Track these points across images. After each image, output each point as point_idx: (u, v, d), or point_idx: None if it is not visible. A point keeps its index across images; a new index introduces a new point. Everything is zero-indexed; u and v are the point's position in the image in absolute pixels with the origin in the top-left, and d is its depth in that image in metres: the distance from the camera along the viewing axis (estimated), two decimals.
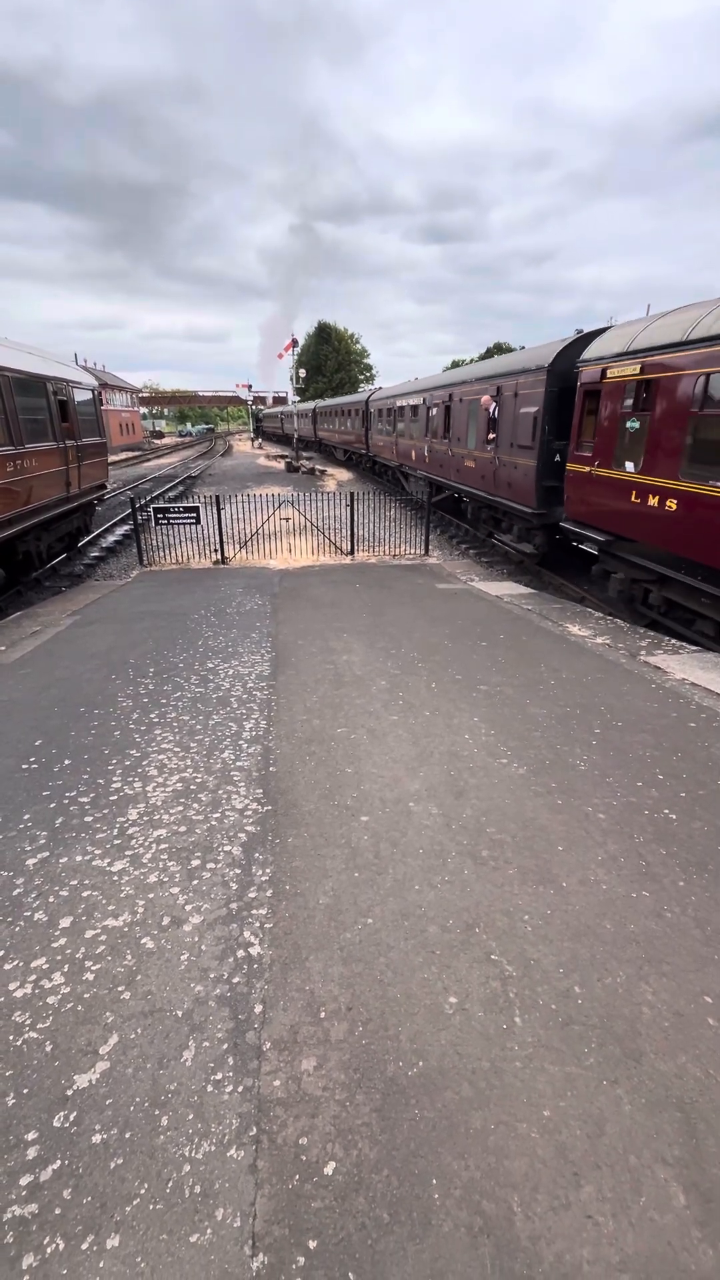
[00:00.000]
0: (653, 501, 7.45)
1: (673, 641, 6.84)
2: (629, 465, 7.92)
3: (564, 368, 9.60)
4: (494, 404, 11.96)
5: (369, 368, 77.20)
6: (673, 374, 7.08)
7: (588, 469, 8.91)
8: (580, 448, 9.19)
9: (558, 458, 9.91)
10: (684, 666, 5.97)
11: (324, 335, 73.74)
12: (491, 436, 12.12)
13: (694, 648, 6.63)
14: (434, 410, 16.11)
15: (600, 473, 8.59)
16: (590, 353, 8.99)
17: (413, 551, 12.24)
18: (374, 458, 25.13)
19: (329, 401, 32.66)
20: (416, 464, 18.30)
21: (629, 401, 7.95)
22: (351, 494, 11.95)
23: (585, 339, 9.59)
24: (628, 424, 7.98)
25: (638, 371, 7.66)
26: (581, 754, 4.29)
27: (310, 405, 40.52)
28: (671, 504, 7.11)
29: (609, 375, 8.35)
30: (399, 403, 19.85)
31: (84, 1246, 1.69)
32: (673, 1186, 1.80)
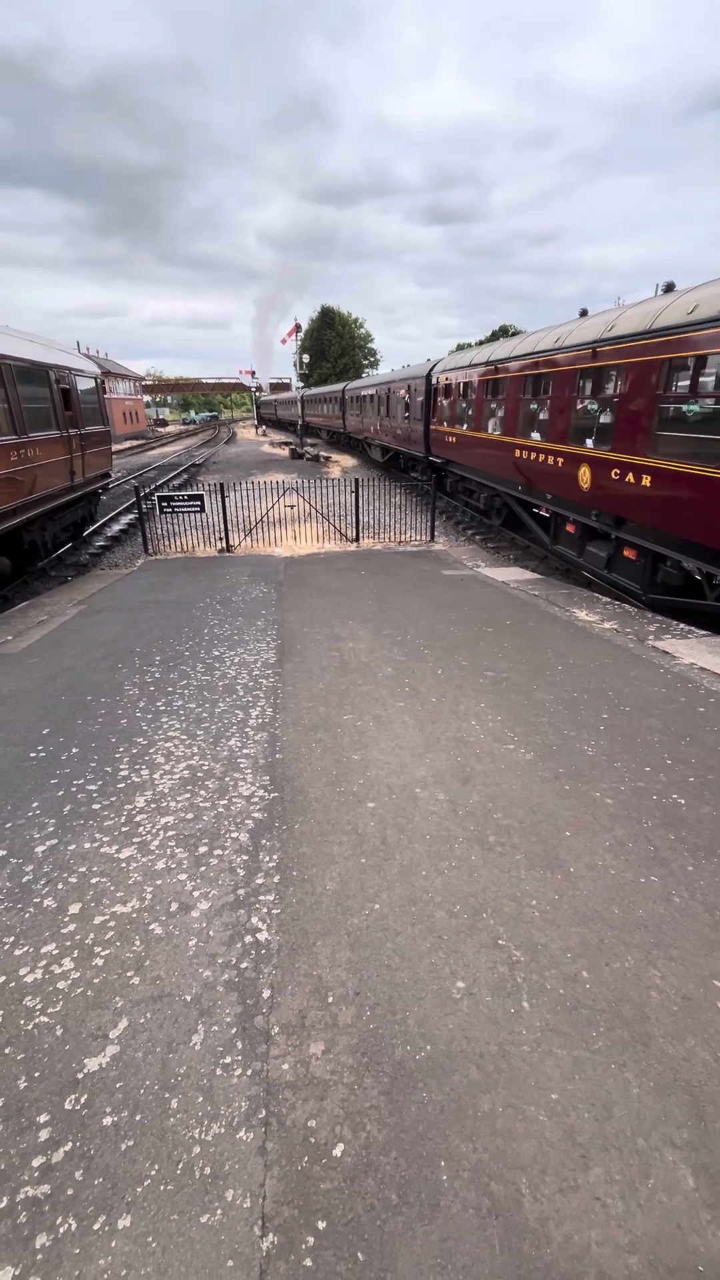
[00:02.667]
0: (452, 440, 15.56)
1: (681, 626, 6.77)
2: (446, 424, 16.00)
3: (429, 375, 17.45)
4: (406, 396, 19.49)
5: (373, 352, 76.43)
6: (452, 381, 15.37)
7: (436, 427, 17.04)
8: (434, 417, 17.19)
9: (427, 425, 17.66)
10: (693, 651, 5.91)
11: (327, 320, 72.95)
12: (406, 414, 19.71)
13: (703, 632, 6.57)
14: (381, 399, 23.14)
15: (439, 429, 16.69)
16: (435, 370, 17.19)
17: (418, 538, 12.16)
18: (348, 434, 31.23)
19: (314, 390, 38.37)
20: (374, 435, 25.34)
21: (445, 392, 16.00)
22: (356, 480, 11.86)
23: (436, 362, 17.64)
24: (444, 404, 16.23)
25: (444, 380, 16.12)
26: (589, 739, 4.26)
27: (297, 394, 45.52)
28: (452, 439, 15.46)
29: (438, 382, 16.77)
30: (362, 393, 26.89)
31: (96, 1227, 1.71)
32: (681, 1169, 1.80)
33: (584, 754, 4.08)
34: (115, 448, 24.32)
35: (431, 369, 17.20)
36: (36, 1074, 2.13)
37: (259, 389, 65.41)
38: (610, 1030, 2.23)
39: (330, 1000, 2.37)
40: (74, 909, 2.86)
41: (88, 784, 3.88)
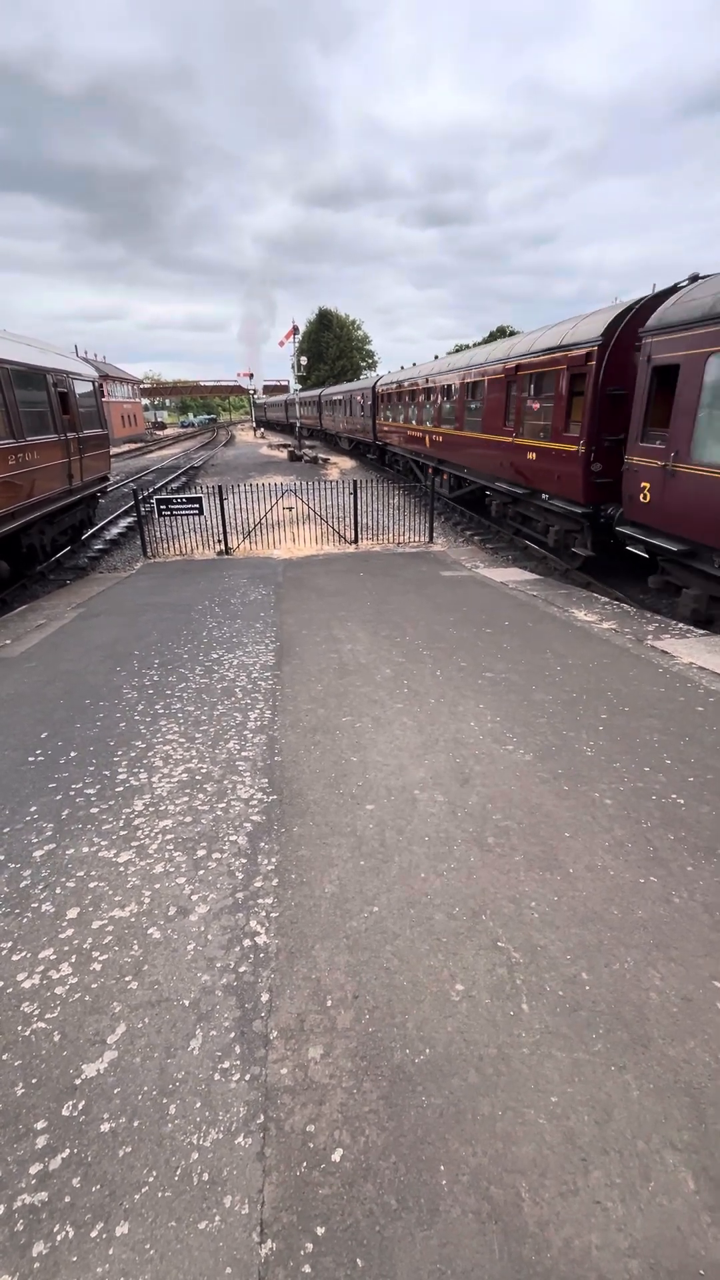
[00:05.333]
0: (387, 429, 23.61)
1: (680, 625, 6.77)
2: (385, 419, 23.75)
3: (374, 387, 25.06)
4: (361, 400, 27.64)
5: (371, 354, 76.46)
6: (387, 391, 23.09)
7: (379, 421, 24.76)
8: (378, 415, 24.67)
9: (374, 420, 25.58)
10: (692, 650, 5.91)
11: (325, 322, 72.99)
12: (361, 413, 27.82)
13: (702, 631, 6.56)
14: (345, 402, 31.49)
15: (380, 422, 24.47)
16: (377, 384, 24.42)
17: (417, 539, 12.16)
18: (325, 430, 38.77)
19: (296, 395, 45.45)
20: (342, 431, 33.31)
21: (384, 399, 23.60)
22: (355, 482, 11.86)
23: (378, 379, 25.42)
24: (383, 406, 23.89)
25: (382, 390, 23.75)
26: (588, 739, 4.26)
27: (283, 399, 54.22)
28: (386, 428, 23.63)
29: (379, 391, 24.11)
30: (334, 398, 34.95)
31: (93, 1234, 1.70)
32: (682, 1172, 1.79)
33: (583, 754, 4.07)
34: (114, 451, 24.56)
35: (375, 383, 25.39)
36: (34, 1080, 2.12)
37: (255, 391, 65.57)
38: (610, 1032, 2.22)
39: (329, 1004, 2.36)
40: (72, 913, 2.85)
41: (86, 788, 3.87)
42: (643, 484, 7.93)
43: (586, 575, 9.74)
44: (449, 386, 15.74)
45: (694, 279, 6.64)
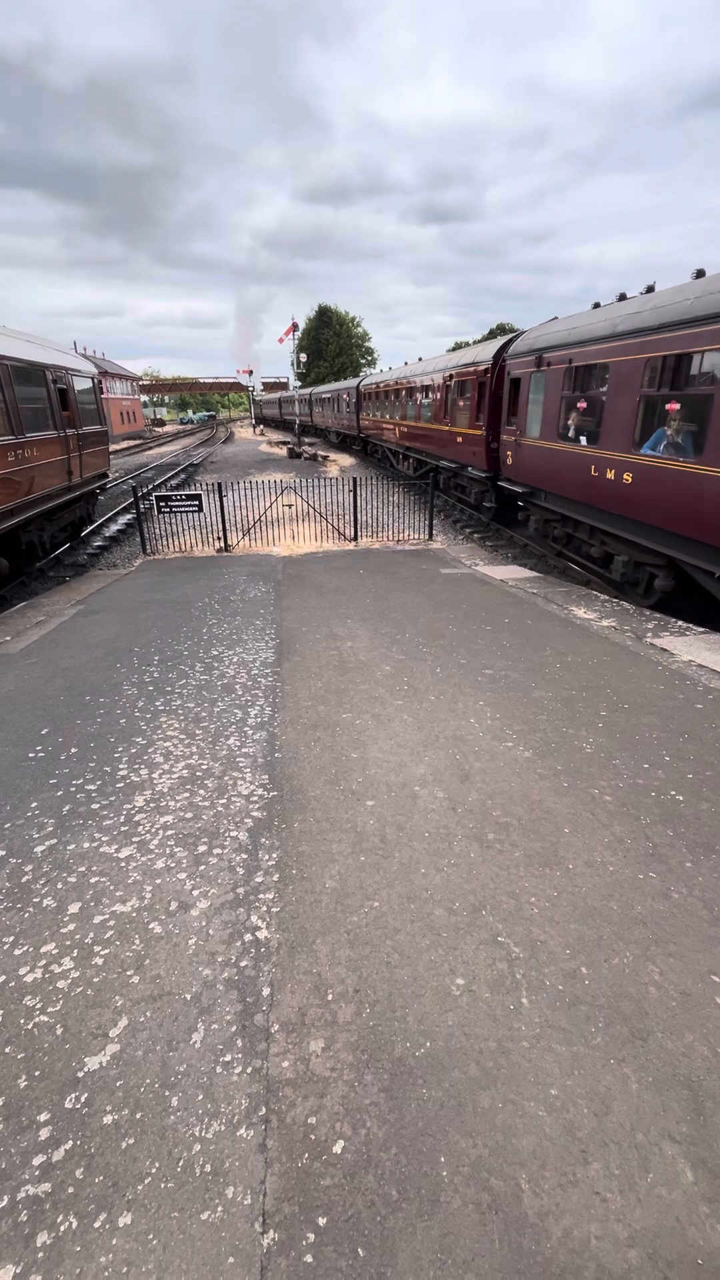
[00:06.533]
0: (367, 423, 27.10)
1: (679, 623, 6.78)
2: (368, 414, 26.63)
3: (358, 387, 28.42)
4: (347, 398, 30.36)
5: (370, 351, 76.34)
6: (369, 390, 26.35)
7: (363, 417, 27.79)
8: (362, 412, 27.81)
9: (359, 416, 28.71)
10: (691, 648, 5.92)
11: (324, 319, 72.86)
12: (347, 410, 30.39)
13: (701, 629, 6.58)
14: (333, 400, 34.35)
15: (364, 418, 27.46)
16: (360, 384, 28.05)
17: (416, 536, 12.17)
18: (315, 426, 42.44)
19: (291, 393, 48.46)
20: (331, 426, 36.58)
21: (367, 396, 26.60)
22: (354, 479, 11.86)
23: (363, 378, 29.13)
24: (367, 403, 26.90)
25: (365, 389, 27.14)
26: (588, 736, 4.27)
27: (277, 396, 59.98)
28: (367, 422, 27.16)
29: (363, 390, 27.38)
30: (323, 396, 38.05)
31: (97, 1225, 1.71)
32: (680, 1163, 1.81)
33: (582, 751, 4.09)
34: (113, 448, 24.75)
35: (359, 384, 28.52)
36: (37, 1073, 2.13)
37: (254, 389, 65.56)
38: (609, 1026, 2.23)
39: (330, 998, 2.38)
40: (73, 908, 2.87)
41: (87, 784, 3.88)
42: (508, 452, 12.18)
43: (497, 524, 13.76)
44: (411, 389, 19.50)
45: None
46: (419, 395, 18.37)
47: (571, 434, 9.44)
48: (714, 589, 6.74)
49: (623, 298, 8.79)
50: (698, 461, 6.64)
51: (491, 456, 12.91)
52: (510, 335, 12.55)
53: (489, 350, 12.98)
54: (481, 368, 13.09)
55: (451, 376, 15.21)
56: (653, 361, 7.34)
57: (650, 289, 8.12)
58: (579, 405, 9.20)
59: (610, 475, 8.27)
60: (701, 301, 6.57)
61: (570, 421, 9.47)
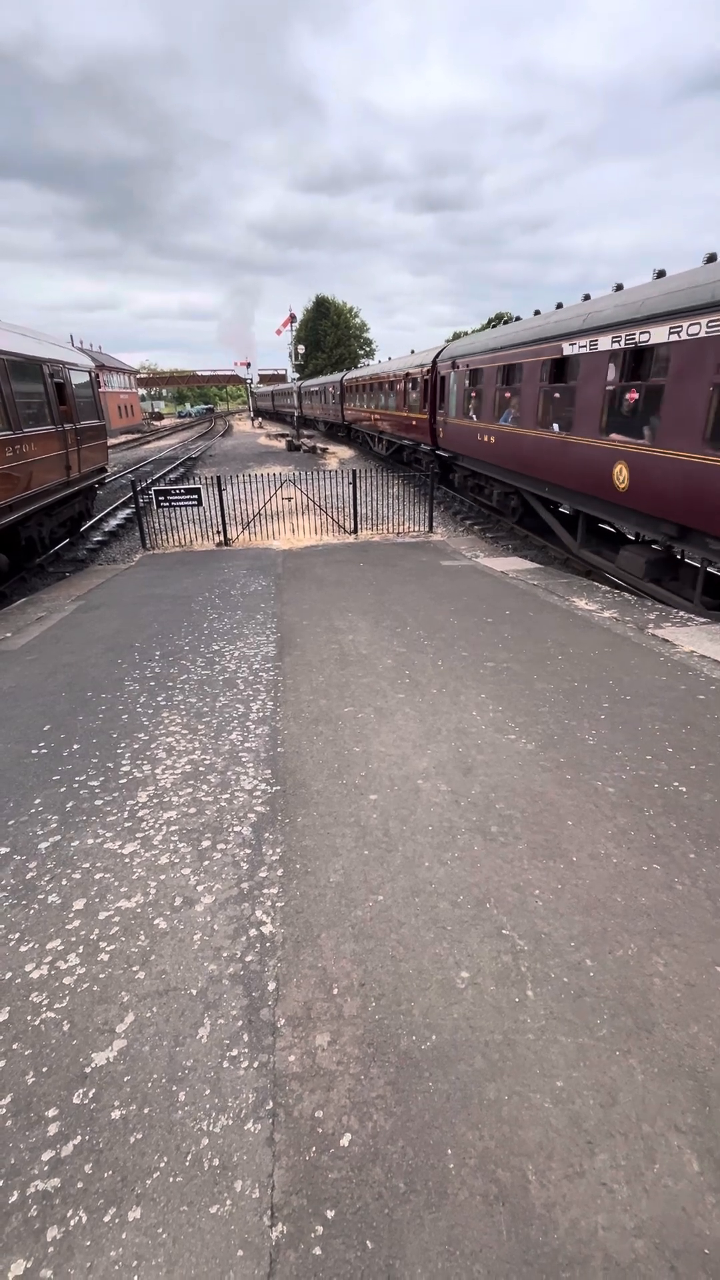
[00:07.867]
0: (350, 412, 29.84)
1: (681, 614, 6.77)
2: (352, 404, 29.13)
3: (341, 381, 31.53)
4: (333, 390, 32.66)
5: (369, 342, 75.83)
6: (353, 384, 28.76)
7: (347, 406, 30.33)
8: (346, 402, 30.47)
9: (343, 407, 31.47)
10: (693, 639, 5.91)
11: (322, 310, 72.33)
12: (334, 400, 32.79)
13: (702, 619, 6.56)
14: (321, 392, 36.83)
15: (348, 407, 30.04)
16: (344, 378, 31.26)
17: (417, 529, 12.13)
18: (304, 415, 45.03)
19: (283, 386, 51.36)
20: (319, 415, 38.77)
21: (351, 388, 29.23)
22: (354, 471, 11.81)
23: (346, 372, 32.67)
24: (350, 394, 29.31)
25: (348, 383, 29.78)
26: (590, 728, 4.27)
27: (270, 389, 63.56)
28: (350, 412, 29.90)
29: (346, 384, 30.37)
30: (312, 389, 40.54)
31: (106, 1219, 1.72)
32: (686, 1154, 1.82)
33: (585, 743, 4.08)
34: (111, 442, 24.60)
35: (342, 378, 31.43)
36: (44, 1069, 2.14)
37: (252, 381, 65.35)
38: (614, 1017, 2.24)
39: (335, 992, 2.38)
40: (78, 905, 2.87)
41: (89, 780, 3.88)
42: (440, 430, 16.85)
43: (444, 487, 17.22)
44: (381, 383, 23.27)
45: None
46: (387, 388, 22.52)
47: (469, 413, 14.17)
48: (536, 505, 11.33)
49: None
50: (518, 427, 11.40)
51: (434, 435, 17.52)
52: (442, 346, 17.91)
53: (430, 356, 17.63)
54: (426, 368, 17.65)
55: (408, 374, 19.66)
56: (502, 369, 12.12)
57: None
58: (472, 394, 13.97)
59: (488, 440, 12.99)
60: (522, 331, 11.33)
61: (470, 406, 14.15)
